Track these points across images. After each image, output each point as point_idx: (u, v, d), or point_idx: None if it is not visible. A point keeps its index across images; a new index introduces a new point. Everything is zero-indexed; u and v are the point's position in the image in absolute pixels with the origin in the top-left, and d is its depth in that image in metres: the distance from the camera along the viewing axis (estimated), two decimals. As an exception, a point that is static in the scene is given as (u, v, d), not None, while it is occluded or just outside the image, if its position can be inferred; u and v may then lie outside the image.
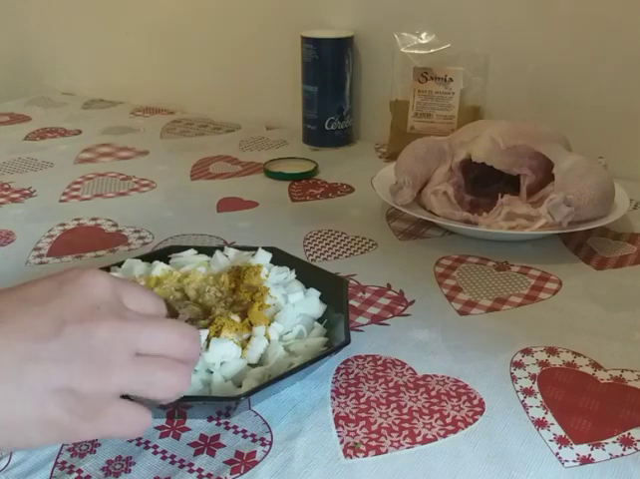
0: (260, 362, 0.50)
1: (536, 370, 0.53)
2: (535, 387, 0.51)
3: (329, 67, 1.04)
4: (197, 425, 0.47)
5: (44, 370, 0.33)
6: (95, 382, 0.34)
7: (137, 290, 0.39)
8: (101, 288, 0.36)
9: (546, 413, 0.48)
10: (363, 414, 0.48)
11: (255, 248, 0.61)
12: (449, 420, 0.47)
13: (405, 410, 0.48)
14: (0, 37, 1.53)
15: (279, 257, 0.61)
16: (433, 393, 0.50)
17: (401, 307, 0.62)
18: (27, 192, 0.90)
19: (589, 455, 0.44)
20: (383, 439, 0.46)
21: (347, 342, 0.50)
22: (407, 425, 0.47)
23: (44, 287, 0.36)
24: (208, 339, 0.48)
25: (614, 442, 0.45)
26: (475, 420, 0.47)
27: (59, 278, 0.36)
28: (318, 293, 0.57)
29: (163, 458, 0.44)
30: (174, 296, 0.55)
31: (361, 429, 0.47)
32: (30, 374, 0.33)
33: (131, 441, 0.46)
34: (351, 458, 0.44)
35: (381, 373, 0.52)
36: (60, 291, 0.35)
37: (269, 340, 0.50)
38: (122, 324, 0.35)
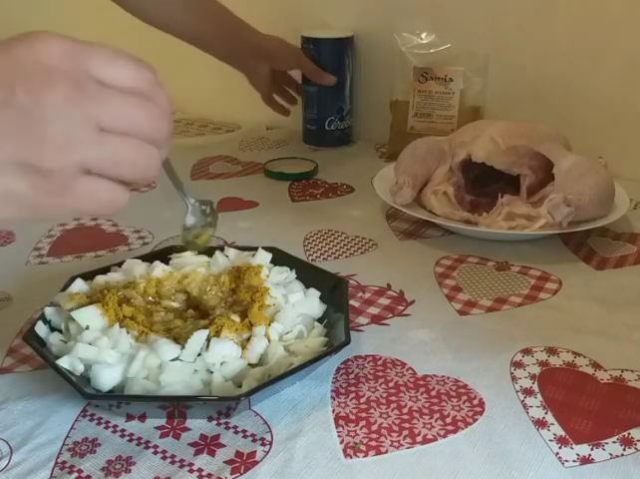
0: (260, 362, 0.50)
1: (536, 370, 0.53)
2: (535, 387, 0.51)
3: (329, 67, 1.04)
4: (197, 425, 0.47)
5: None
6: (54, 156, 0.32)
7: (108, 55, 0.34)
8: (57, 51, 0.32)
9: (546, 413, 0.48)
10: (363, 414, 0.48)
11: (255, 249, 0.61)
12: (449, 420, 0.47)
13: (405, 410, 0.48)
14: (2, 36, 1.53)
15: (279, 257, 0.61)
16: (433, 393, 0.50)
17: (401, 307, 0.62)
18: (27, 192, 0.90)
19: (589, 455, 0.44)
20: (383, 439, 0.46)
21: (347, 342, 0.50)
22: (407, 425, 0.47)
23: None
24: (209, 339, 0.48)
25: (614, 442, 0.45)
26: (475, 420, 0.47)
27: (9, 43, 0.32)
28: (318, 293, 0.57)
29: (164, 458, 0.44)
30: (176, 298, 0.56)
31: (361, 429, 0.47)
32: None
33: (131, 441, 0.46)
34: (351, 458, 0.44)
35: (381, 373, 0.52)
36: (8, 56, 0.32)
37: (269, 340, 0.50)
38: (79, 95, 0.32)
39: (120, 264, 0.60)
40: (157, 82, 0.36)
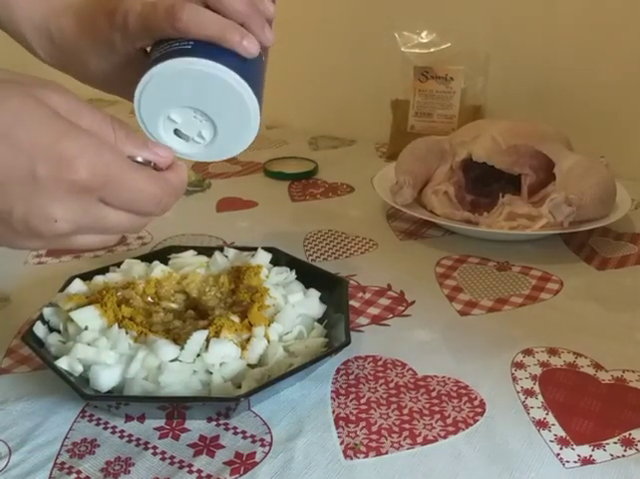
0: (260, 363, 0.49)
1: (537, 371, 0.52)
2: (536, 388, 0.51)
3: None
4: (197, 426, 0.47)
5: None
6: (48, 241, 0.36)
7: (123, 192, 0.36)
8: (85, 174, 0.34)
9: (547, 414, 0.48)
10: (363, 415, 0.48)
11: (255, 249, 0.61)
12: (449, 421, 0.47)
13: (405, 411, 0.48)
14: (0, 36, 1.53)
15: (279, 258, 0.61)
16: (433, 394, 0.50)
17: (401, 308, 0.62)
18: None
19: (590, 456, 0.44)
20: (383, 440, 0.45)
21: (347, 343, 0.50)
22: (407, 426, 0.47)
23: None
24: (208, 340, 0.48)
25: (615, 443, 0.45)
26: (475, 421, 0.47)
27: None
28: (318, 294, 0.56)
29: (163, 459, 0.44)
30: (176, 298, 0.55)
31: (361, 430, 0.46)
32: None
33: (130, 442, 0.45)
34: (351, 459, 0.44)
35: (381, 374, 0.52)
36: (31, 177, 0.33)
37: (269, 341, 0.50)
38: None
39: (119, 265, 0.60)
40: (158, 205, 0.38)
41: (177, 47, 0.40)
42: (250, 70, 0.42)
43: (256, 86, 0.42)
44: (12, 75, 0.34)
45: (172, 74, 0.39)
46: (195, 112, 0.41)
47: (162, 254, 0.61)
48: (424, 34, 1.02)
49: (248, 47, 0.41)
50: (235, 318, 0.51)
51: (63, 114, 0.34)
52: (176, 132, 0.42)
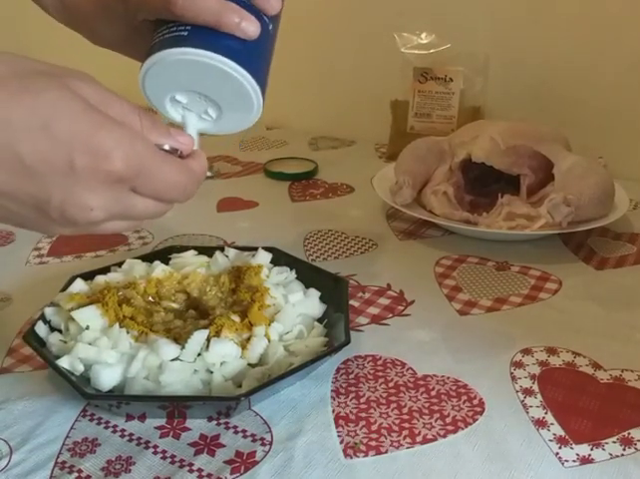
0: (260, 362, 0.50)
1: (536, 370, 0.53)
2: (535, 387, 0.51)
3: None
4: (197, 425, 0.47)
5: None
6: (81, 228, 0.36)
7: (155, 181, 0.37)
8: (121, 165, 0.35)
9: (546, 413, 0.48)
10: (363, 414, 0.48)
11: (255, 249, 0.61)
12: (449, 420, 0.47)
13: (405, 410, 0.48)
14: (0, 38, 1.53)
15: (279, 258, 0.61)
16: (433, 393, 0.50)
17: (401, 307, 0.62)
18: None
19: (589, 455, 0.44)
20: (383, 439, 0.46)
21: (347, 342, 0.50)
22: (407, 425, 0.47)
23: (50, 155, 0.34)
24: (209, 339, 0.48)
25: (614, 442, 0.45)
26: (475, 420, 0.47)
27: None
28: (318, 293, 0.57)
29: (163, 458, 0.44)
30: (176, 298, 0.56)
31: (361, 429, 0.47)
32: None
33: (130, 441, 0.46)
34: (351, 458, 0.44)
35: (381, 373, 0.52)
36: (72, 170, 0.34)
37: (269, 340, 0.50)
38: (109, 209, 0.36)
39: (120, 264, 0.60)
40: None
41: (174, 33, 0.40)
42: (251, 50, 0.41)
43: (258, 64, 0.42)
44: (44, 66, 0.35)
45: (169, 63, 0.40)
46: (199, 94, 0.41)
47: (163, 254, 0.62)
48: (423, 35, 1.02)
49: (246, 29, 0.40)
50: (236, 318, 0.51)
51: (94, 104, 0.35)
52: (184, 109, 0.42)
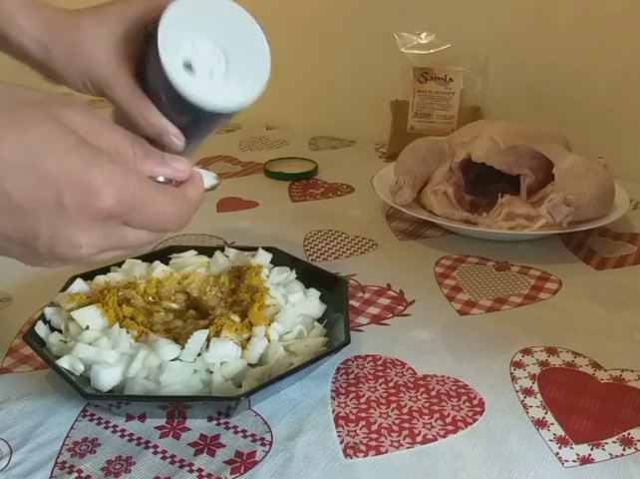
0: (260, 362, 0.50)
1: (536, 370, 0.53)
2: (535, 387, 0.51)
3: None
4: (197, 425, 0.47)
5: None
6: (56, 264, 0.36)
7: (146, 213, 0.36)
8: (111, 203, 0.34)
9: (546, 413, 0.48)
10: (363, 414, 0.48)
11: (255, 249, 0.61)
12: (449, 420, 0.47)
13: (405, 410, 0.48)
14: None
15: (279, 257, 0.61)
16: (433, 393, 0.50)
17: (401, 307, 0.62)
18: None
19: (589, 455, 0.44)
20: (383, 439, 0.46)
21: (347, 342, 0.50)
22: (407, 425, 0.47)
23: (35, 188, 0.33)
24: (209, 339, 0.48)
25: (614, 442, 0.45)
26: (474, 420, 0.47)
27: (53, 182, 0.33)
28: (318, 293, 0.57)
29: (164, 458, 0.44)
30: (176, 298, 0.56)
31: (361, 429, 0.47)
32: None
33: (130, 441, 0.46)
34: (351, 458, 0.44)
35: (381, 373, 0.52)
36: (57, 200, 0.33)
37: (269, 340, 0.50)
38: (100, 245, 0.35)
39: (120, 264, 0.60)
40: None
41: None
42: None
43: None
44: (34, 94, 0.34)
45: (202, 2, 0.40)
46: (214, 46, 0.41)
47: (163, 254, 0.62)
48: (423, 35, 1.02)
49: None
50: (236, 318, 0.51)
51: (84, 134, 0.34)
52: (188, 67, 0.41)
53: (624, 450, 0.45)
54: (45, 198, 0.32)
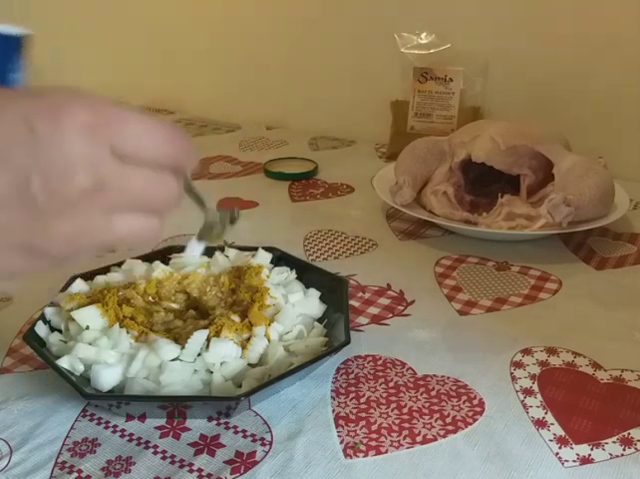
0: (260, 362, 0.50)
1: (536, 370, 0.53)
2: (535, 387, 0.51)
3: None
4: (197, 425, 0.47)
5: None
6: (62, 247, 0.31)
7: (134, 128, 0.32)
8: (82, 129, 0.30)
9: (546, 413, 0.48)
10: (363, 414, 0.48)
11: (255, 249, 0.61)
12: (449, 420, 0.47)
13: (405, 410, 0.48)
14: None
15: (279, 257, 0.61)
16: (433, 393, 0.50)
17: (401, 307, 0.62)
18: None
19: (589, 455, 0.44)
20: (383, 439, 0.46)
21: (347, 342, 0.50)
22: (407, 425, 0.47)
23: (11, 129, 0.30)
24: (209, 339, 0.48)
25: (614, 442, 0.45)
26: (474, 420, 0.47)
27: (33, 111, 0.30)
28: (318, 293, 0.57)
29: (164, 458, 0.44)
30: (176, 298, 0.56)
31: (361, 429, 0.47)
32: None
33: (131, 441, 0.46)
34: (351, 458, 0.44)
35: (381, 373, 0.52)
36: (31, 134, 0.30)
37: (269, 340, 0.50)
38: (97, 187, 0.31)
39: (120, 264, 0.60)
40: (177, 154, 0.35)
41: None
42: None
43: None
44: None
45: None
46: None
47: (163, 254, 0.62)
48: (423, 35, 1.02)
49: None
50: (236, 318, 0.51)
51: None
52: None
53: (624, 450, 0.45)
54: (15, 133, 0.30)
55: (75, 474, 0.43)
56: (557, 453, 0.44)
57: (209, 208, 0.44)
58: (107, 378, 0.47)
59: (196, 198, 0.41)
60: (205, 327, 0.50)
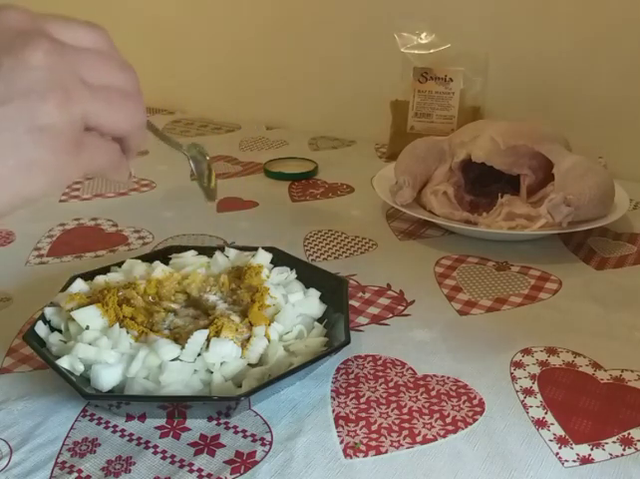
0: (260, 362, 0.50)
1: (536, 370, 0.53)
2: (535, 387, 0.51)
3: None
4: (197, 425, 0.47)
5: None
6: (58, 112, 0.32)
7: (62, 20, 0.34)
8: (21, 17, 0.32)
9: (546, 413, 0.48)
10: (363, 414, 0.48)
11: (255, 249, 0.61)
12: (449, 420, 0.47)
13: (405, 410, 0.48)
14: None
15: (279, 257, 0.61)
16: (433, 393, 0.50)
17: (401, 307, 0.62)
18: (27, 192, 0.90)
19: (589, 455, 0.44)
20: (383, 439, 0.46)
21: (347, 342, 0.50)
22: (407, 425, 0.47)
23: None
24: (209, 339, 0.48)
25: (614, 442, 0.45)
26: (474, 420, 0.47)
27: None
28: (318, 293, 0.57)
29: (164, 458, 0.44)
30: (176, 298, 0.56)
31: (361, 429, 0.47)
32: None
33: (131, 441, 0.46)
34: (351, 458, 0.44)
35: (381, 373, 0.52)
36: None
37: (269, 340, 0.50)
38: (58, 49, 0.32)
39: (120, 265, 0.60)
40: (110, 41, 0.38)
41: None
42: None
43: None
44: None
45: None
46: None
47: (163, 254, 0.62)
48: (423, 35, 1.02)
49: None
50: (236, 318, 0.51)
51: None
52: None
53: (624, 450, 0.45)
54: None
55: (75, 474, 0.43)
56: (557, 453, 0.44)
57: (182, 143, 0.48)
58: (107, 378, 0.47)
59: (166, 139, 0.44)
60: (205, 327, 0.50)
